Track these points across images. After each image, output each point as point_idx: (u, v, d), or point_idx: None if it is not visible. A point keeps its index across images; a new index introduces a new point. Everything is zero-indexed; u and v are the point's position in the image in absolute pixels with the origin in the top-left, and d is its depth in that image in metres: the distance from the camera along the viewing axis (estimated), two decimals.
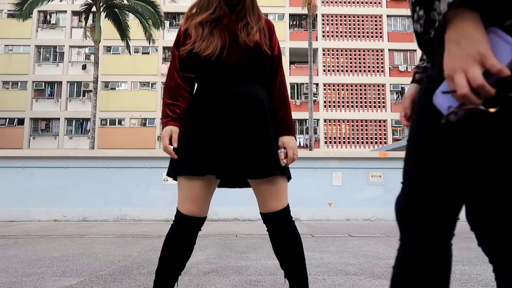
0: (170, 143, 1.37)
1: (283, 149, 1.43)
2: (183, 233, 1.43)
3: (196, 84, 1.48)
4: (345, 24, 25.60)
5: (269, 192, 1.41)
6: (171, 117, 1.39)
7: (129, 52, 18.48)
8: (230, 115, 1.37)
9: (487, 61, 0.61)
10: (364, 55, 25.19)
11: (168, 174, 1.48)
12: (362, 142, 24.16)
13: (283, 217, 1.44)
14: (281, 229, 1.45)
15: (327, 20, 25.59)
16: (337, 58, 25.19)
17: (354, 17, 25.63)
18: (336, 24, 25.62)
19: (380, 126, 24.46)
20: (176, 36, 1.48)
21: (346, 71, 25.00)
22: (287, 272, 1.46)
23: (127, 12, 16.65)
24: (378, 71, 25.03)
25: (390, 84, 24.83)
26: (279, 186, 1.42)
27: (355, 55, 25.19)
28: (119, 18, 16.26)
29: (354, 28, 25.53)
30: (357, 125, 24.38)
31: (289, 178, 1.49)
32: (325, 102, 24.53)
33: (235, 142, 1.36)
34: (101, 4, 15.52)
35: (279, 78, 1.50)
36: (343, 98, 24.68)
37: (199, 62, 1.38)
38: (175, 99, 1.40)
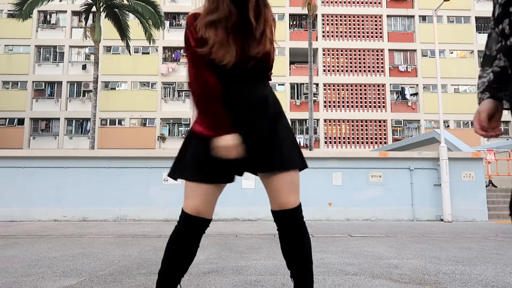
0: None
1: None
2: (187, 234, 1.39)
3: None
4: (345, 24, 25.59)
5: (283, 187, 1.38)
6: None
7: (129, 52, 18.48)
8: (248, 121, 1.36)
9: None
10: (364, 55, 25.17)
11: (173, 176, 1.42)
12: (362, 142, 24.14)
13: (296, 215, 1.41)
14: (293, 229, 1.41)
15: (327, 20, 25.58)
16: (337, 58, 25.18)
17: (354, 17, 25.62)
18: (336, 24, 25.61)
19: (380, 126, 24.44)
20: (185, 37, 1.38)
21: (346, 71, 24.99)
22: (294, 273, 1.44)
23: (127, 12, 16.64)
24: (378, 71, 25.02)
25: (390, 84, 24.81)
26: (293, 180, 1.40)
27: (355, 55, 25.18)
28: (119, 18, 16.26)
29: (354, 28, 25.51)
30: (357, 125, 24.37)
31: (305, 166, 1.46)
32: (325, 102, 24.51)
33: (255, 145, 1.35)
34: (101, 4, 15.51)
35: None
36: (343, 98, 24.67)
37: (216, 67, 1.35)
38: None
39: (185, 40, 1.36)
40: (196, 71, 1.32)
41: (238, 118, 1.35)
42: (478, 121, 1.14)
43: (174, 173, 1.42)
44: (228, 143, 1.30)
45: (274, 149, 1.37)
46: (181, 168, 1.40)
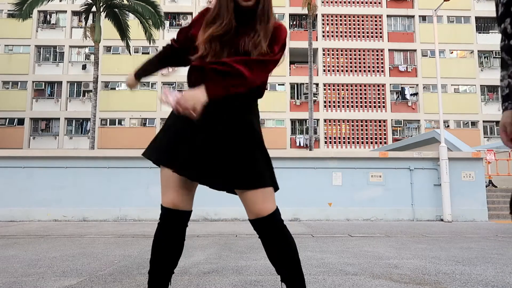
0: None
1: (175, 92, 1.31)
2: (168, 229, 1.40)
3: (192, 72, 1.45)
4: (345, 24, 25.59)
5: (255, 197, 1.36)
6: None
7: (129, 52, 18.47)
8: (219, 126, 1.35)
9: None
10: (364, 55, 25.17)
11: (146, 155, 1.44)
12: (362, 142, 24.14)
13: (273, 221, 1.39)
14: (273, 235, 1.39)
15: (327, 20, 25.58)
16: (337, 58, 25.18)
17: (354, 17, 25.62)
18: (336, 24, 25.61)
19: (380, 126, 24.44)
20: (183, 29, 1.47)
21: (346, 71, 24.99)
22: (284, 276, 1.42)
23: (127, 12, 16.64)
24: (378, 71, 25.02)
25: (390, 84, 24.82)
26: (265, 192, 1.38)
27: (355, 55, 25.18)
28: (119, 18, 16.26)
29: (354, 28, 25.51)
30: (357, 125, 24.37)
31: (276, 189, 1.43)
32: (325, 102, 24.51)
33: (220, 151, 1.34)
34: (101, 4, 15.51)
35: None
36: (343, 98, 24.67)
37: (196, 62, 1.39)
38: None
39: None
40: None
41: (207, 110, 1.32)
42: (505, 134, 1.11)
43: (150, 154, 1.44)
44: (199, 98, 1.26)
45: (240, 165, 1.35)
46: (155, 149, 1.42)
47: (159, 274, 1.39)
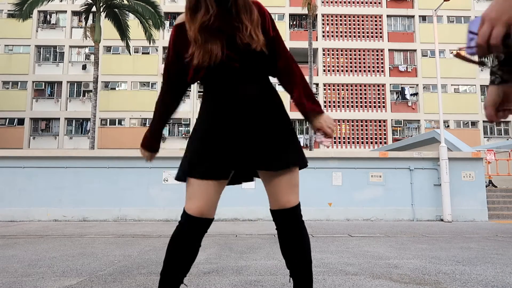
0: None
1: (318, 133, 1.40)
2: (189, 234, 1.38)
3: (203, 88, 1.46)
4: (345, 24, 25.60)
5: (282, 186, 1.38)
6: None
7: (129, 52, 18.48)
8: (240, 117, 1.35)
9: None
10: (364, 55, 25.18)
11: (179, 178, 1.41)
12: (362, 142, 24.14)
13: (295, 215, 1.41)
14: (292, 228, 1.41)
15: (327, 20, 25.59)
16: (337, 58, 25.19)
17: (354, 17, 25.63)
18: (336, 24, 25.61)
19: (380, 126, 24.45)
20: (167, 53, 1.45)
21: (346, 71, 24.99)
22: (293, 272, 1.43)
23: (127, 12, 16.64)
24: (378, 71, 25.02)
25: (390, 84, 24.82)
26: (292, 180, 1.40)
27: (355, 55, 25.18)
28: (119, 18, 16.26)
29: (354, 28, 25.52)
30: (357, 125, 24.37)
31: (304, 165, 1.45)
32: (325, 102, 24.51)
33: (249, 141, 1.35)
34: (101, 4, 15.52)
35: (283, 59, 1.45)
36: (343, 98, 24.67)
37: (201, 73, 1.36)
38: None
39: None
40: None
41: (229, 116, 1.35)
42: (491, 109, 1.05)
43: (182, 174, 1.41)
44: (327, 118, 1.42)
45: (271, 147, 1.36)
46: (184, 168, 1.40)
47: (173, 276, 1.39)
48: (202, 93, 1.48)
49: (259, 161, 1.36)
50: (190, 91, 23.41)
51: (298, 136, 25.24)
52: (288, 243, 1.43)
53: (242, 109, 1.36)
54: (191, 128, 23.91)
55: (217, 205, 1.43)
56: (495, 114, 0.99)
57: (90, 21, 16.96)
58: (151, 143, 1.60)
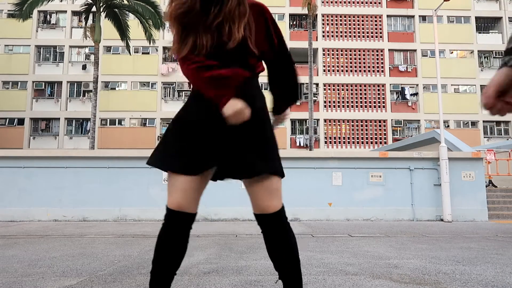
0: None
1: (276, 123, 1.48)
2: (173, 230, 1.38)
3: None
4: (345, 24, 25.59)
5: (261, 192, 1.37)
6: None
7: (129, 52, 18.48)
8: (216, 119, 1.34)
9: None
10: (364, 55, 25.17)
11: (153, 164, 1.39)
12: (362, 142, 24.14)
13: (277, 218, 1.40)
14: (276, 232, 1.40)
15: (327, 20, 25.58)
16: (337, 58, 25.18)
17: (354, 17, 25.62)
18: (336, 24, 25.61)
19: (380, 126, 24.44)
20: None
21: (346, 71, 24.99)
22: (282, 274, 1.43)
23: (127, 12, 16.65)
24: (378, 71, 25.02)
25: (390, 84, 24.82)
26: (271, 185, 1.38)
27: (355, 55, 25.18)
28: (119, 18, 16.26)
29: (354, 28, 25.51)
30: (357, 125, 24.37)
31: (281, 176, 1.42)
32: (325, 102, 24.52)
33: (224, 144, 1.34)
34: (101, 4, 15.52)
35: (286, 71, 1.53)
36: (343, 98, 24.67)
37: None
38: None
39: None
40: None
41: (207, 116, 1.35)
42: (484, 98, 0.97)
43: (155, 161, 1.40)
44: (238, 107, 1.28)
45: (242, 155, 1.34)
46: (160, 158, 1.39)
47: (161, 274, 1.39)
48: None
49: (232, 168, 1.36)
50: (190, 90, 23.39)
51: (298, 136, 25.16)
52: (273, 245, 1.42)
53: (218, 112, 1.33)
54: None
55: (199, 200, 1.42)
56: (494, 100, 0.91)
57: (90, 21, 16.96)
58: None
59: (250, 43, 1.35)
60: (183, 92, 24.41)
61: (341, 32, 25.49)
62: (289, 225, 1.44)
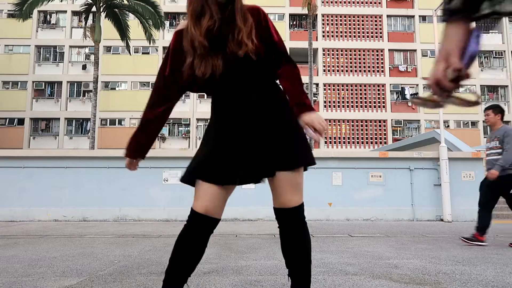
0: None
1: (308, 128, 1.41)
2: (196, 233, 1.40)
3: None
4: (345, 24, 25.59)
5: (286, 186, 1.39)
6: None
7: (129, 52, 18.47)
8: (242, 125, 1.36)
9: (449, 58, 0.71)
10: (364, 55, 25.17)
11: (184, 180, 1.42)
12: (362, 142, 24.14)
13: (297, 215, 1.42)
14: (294, 227, 1.43)
15: (327, 20, 25.58)
16: (337, 58, 25.18)
17: (354, 17, 25.62)
18: (336, 24, 25.61)
19: (380, 126, 24.44)
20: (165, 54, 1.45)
21: (346, 71, 24.99)
22: (292, 271, 1.44)
23: (127, 12, 16.65)
24: (378, 71, 25.02)
25: (390, 84, 24.82)
26: (295, 179, 1.40)
27: (355, 55, 25.18)
28: (119, 18, 16.26)
29: (354, 28, 25.52)
30: (357, 125, 24.37)
31: (311, 164, 1.45)
32: (325, 102, 24.51)
33: (253, 148, 1.36)
34: (101, 4, 15.51)
35: (283, 64, 1.53)
36: (343, 98, 24.67)
37: (201, 83, 1.38)
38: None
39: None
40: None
41: (231, 125, 1.37)
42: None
43: (188, 175, 1.41)
44: (317, 116, 1.38)
45: (272, 152, 1.36)
46: (191, 168, 1.41)
47: (178, 274, 1.41)
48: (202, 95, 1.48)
49: (262, 169, 1.37)
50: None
51: None
52: (288, 242, 1.44)
53: (243, 117, 1.37)
54: (191, 128, 23.92)
55: (224, 208, 1.44)
56: (444, 74, 0.72)
57: (90, 21, 16.97)
58: (136, 154, 1.61)
59: (258, 52, 1.38)
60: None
61: (341, 32, 25.49)
62: (306, 224, 1.45)
